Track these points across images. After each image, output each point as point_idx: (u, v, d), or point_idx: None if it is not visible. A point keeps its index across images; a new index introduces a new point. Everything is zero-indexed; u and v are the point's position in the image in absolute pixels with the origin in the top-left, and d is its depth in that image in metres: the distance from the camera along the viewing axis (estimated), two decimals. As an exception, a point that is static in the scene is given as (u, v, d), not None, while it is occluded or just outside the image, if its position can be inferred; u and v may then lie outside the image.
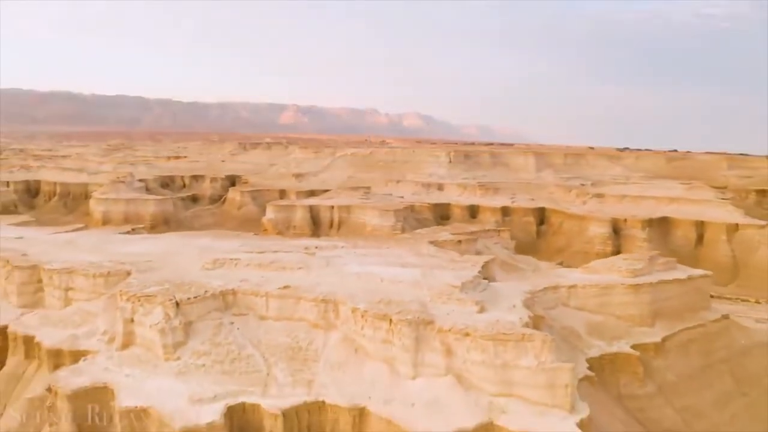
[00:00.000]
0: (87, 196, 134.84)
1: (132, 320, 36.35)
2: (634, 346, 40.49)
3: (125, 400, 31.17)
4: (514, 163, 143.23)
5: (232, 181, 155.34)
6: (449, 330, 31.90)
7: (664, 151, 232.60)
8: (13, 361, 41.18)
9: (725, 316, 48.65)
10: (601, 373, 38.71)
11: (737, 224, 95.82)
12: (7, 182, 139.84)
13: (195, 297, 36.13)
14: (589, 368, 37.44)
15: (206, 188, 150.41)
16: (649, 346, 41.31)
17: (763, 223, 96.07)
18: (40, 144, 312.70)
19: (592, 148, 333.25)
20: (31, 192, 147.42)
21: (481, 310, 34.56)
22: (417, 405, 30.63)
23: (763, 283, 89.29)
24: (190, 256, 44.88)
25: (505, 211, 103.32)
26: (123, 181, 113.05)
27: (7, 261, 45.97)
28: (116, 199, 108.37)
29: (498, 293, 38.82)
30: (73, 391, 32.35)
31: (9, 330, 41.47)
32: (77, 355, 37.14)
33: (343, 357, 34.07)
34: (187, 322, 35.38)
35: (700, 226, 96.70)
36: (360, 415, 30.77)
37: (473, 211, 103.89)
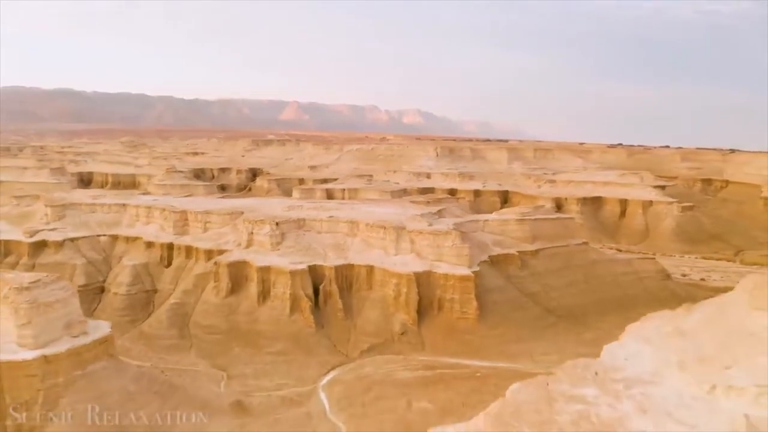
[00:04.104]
0: (135, 185, 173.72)
1: (252, 233, 75.10)
2: (518, 252, 78.90)
3: (258, 263, 69.74)
4: (490, 156, 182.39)
5: (254, 172, 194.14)
6: (412, 231, 70.73)
7: (627, 146, 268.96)
8: (177, 260, 79.82)
9: (585, 242, 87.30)
10: (498, 264, 77.08)
11: (651, 201, 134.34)
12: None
13: (285, 221, 74.86)
14: (490, 259, 75.76)
15: (233, 179, 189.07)
16: (527, 253, 79.82)
17: (670, 200, 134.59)
18: (57, 141, 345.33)
19: (582, 143, 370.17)
20: (84, 181, 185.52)
21: (430, 225, 73.28)
22: (396, 264, 69.41)
23: (665, 243, 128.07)
24: (273, 205, 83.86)
25: (477, 193, 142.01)
26: (178, 171, 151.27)
27: (164, 209, 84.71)
28: (173, 185, 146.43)
29: (443, 221, 77.53)
30: (229, 262, 71.03)
31: (175, 243, 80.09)
32: (221, 252, 75.69)
33: (361, 248, 72.85)
34: (281, 233, 74.08)
35: (624, 202, 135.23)
36: (370, 269, 69.59)
37: (452, 193, 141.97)
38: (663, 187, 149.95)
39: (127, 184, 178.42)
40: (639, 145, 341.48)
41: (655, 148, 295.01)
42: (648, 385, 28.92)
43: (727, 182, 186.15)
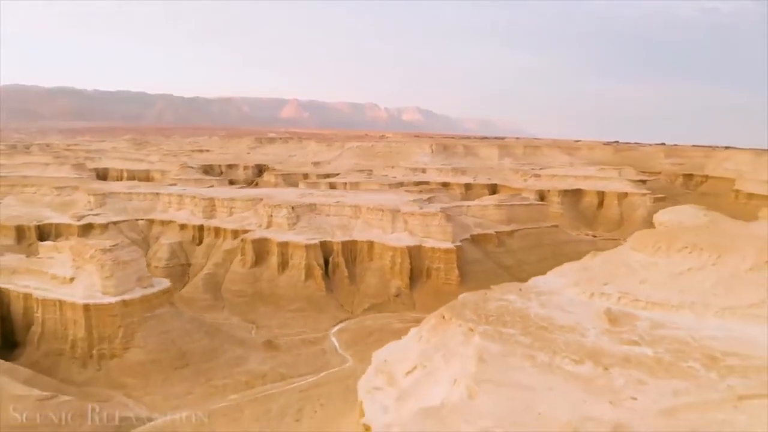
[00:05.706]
0: (149, 180, 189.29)
1: (271, 215, 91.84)
2: (496, 232, 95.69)
3: (278, 239, 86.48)
4: (482, 153, 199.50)
5: (260, 168, 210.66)
6: (405, 213, 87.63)
7: (614, 143, 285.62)
8: (207, 239, 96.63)
9: (555, 225, 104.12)
10: (479, 242, 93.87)
11: (626, 193, 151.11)
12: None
13: (299, 205, 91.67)
14: (471, 238, 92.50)
15: (240, 174, 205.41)
16: (504, 233, 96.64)
17: (644, 191, 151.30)
18: (60, 140, 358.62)
19: (578, 141, 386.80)
20: (100, 177, 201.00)
21: (420, 208, 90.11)
22: (392, 240, 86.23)
23: (637, 230, 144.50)
24: (287, 194, 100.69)
25: (468, 186, 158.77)
26: (191, 167, 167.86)
27: (194, 196, 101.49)
28: (187, 179, 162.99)
29: (431, 206, 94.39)
30: (253, 239, 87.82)
31: (204, 225, 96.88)
32: (245, 232, 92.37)
33: (363, 227, 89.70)
34: (296, 215, 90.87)
35: (601, 194, 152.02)
36: (371, 244, 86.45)
37: (445, 186, 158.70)
38: (644, 182, 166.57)
39: (142, 179, 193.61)
40: (635, 143, 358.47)
41: (649, 145, 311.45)
42: (552, 295, 46.03)
43: (707, 177, 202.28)
